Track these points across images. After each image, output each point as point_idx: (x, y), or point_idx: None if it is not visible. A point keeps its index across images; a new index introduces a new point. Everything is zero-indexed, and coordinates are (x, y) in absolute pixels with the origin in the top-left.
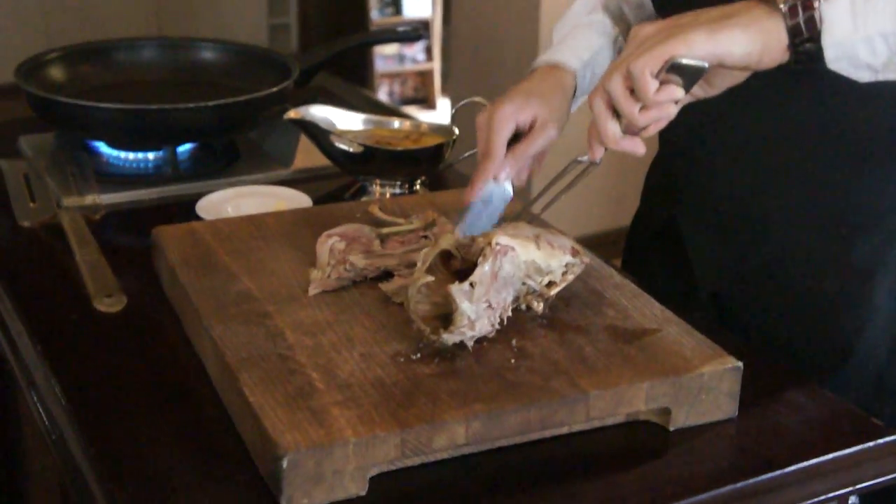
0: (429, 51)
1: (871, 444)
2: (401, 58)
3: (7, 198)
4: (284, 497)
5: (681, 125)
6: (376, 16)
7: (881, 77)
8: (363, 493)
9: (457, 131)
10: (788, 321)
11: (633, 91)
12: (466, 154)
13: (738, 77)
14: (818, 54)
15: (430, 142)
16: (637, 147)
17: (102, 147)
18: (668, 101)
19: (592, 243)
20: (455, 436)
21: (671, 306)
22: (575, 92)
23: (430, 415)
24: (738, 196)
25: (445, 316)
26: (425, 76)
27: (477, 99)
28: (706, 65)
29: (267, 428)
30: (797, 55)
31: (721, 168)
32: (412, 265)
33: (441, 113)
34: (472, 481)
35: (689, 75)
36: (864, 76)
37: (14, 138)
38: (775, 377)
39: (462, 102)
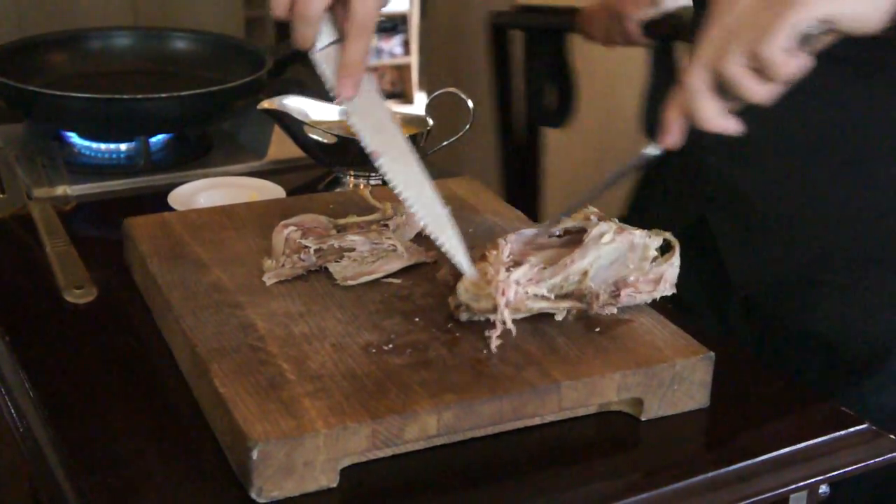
0: (406, 45)
1: (841, 433)
2: (378, 52)
3: None
4: (255, 488)
5: None
6: None
7: None
8: (334, 484)
9: (431, 122)
10: (827, 322)
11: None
12: (442, 144)
13: (823, 42)
14: None
15: (405, 132)
16: (738, 125)
17: (74, 137)
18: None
19: None
20: (426, 426)
21: (700, 312)
22: None
23: (401, 405)
24: (778, 194)
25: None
26: (402, 70)
27: (451, 90)
28: (831, 27)
29: (237, 419)
30: None
31: (760, 165)
32: (372, 245)
33: (418, 107)
34: (443, 472)
35: (811, 41)
36: None
37: None
38: (747, 368)
39: (437, 93)
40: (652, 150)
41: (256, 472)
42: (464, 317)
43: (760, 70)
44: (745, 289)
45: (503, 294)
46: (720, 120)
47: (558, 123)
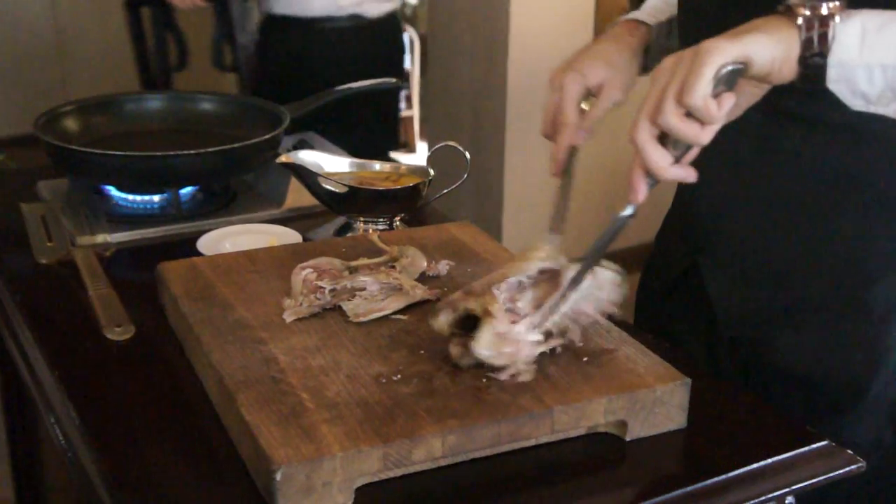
0: (408, 99)
1: (805, 449)
2: None
3: (27, 237)
4: None
5: (703, 171)
6: None
7: (872, 109)
8: (350, 502)
9: (432, 172)
10: (806, 362)
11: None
12: (443, 192)
13: (756, 94)
14: (822, 72)
15: (409, 182)
16: (690, 173)
17: (113, 190)
18: (727, 112)
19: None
20: (432, 449)
21: (691, 349)
22: (649, 51)
23: (409, 430)
24: (759, 242)
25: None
26: (405, 122)
27: (450, 143)
28: (744, 65)
29: (262, 444)
30: (805, 69)
31: (743, 214)
32: (384, 288)
33: (420, 155)
34: (448, 490)
35: (729, 81)
36: (857, 104)
37: (33, 183)
38: (719, 392)
39: (436, 146)
40: (627, 212)
41: (280, 493)
42: (464, 364)
43: (694, 116)
44: (731, 329)
45: (521, 353)
46: (673, 169)
47: (181, 68)
